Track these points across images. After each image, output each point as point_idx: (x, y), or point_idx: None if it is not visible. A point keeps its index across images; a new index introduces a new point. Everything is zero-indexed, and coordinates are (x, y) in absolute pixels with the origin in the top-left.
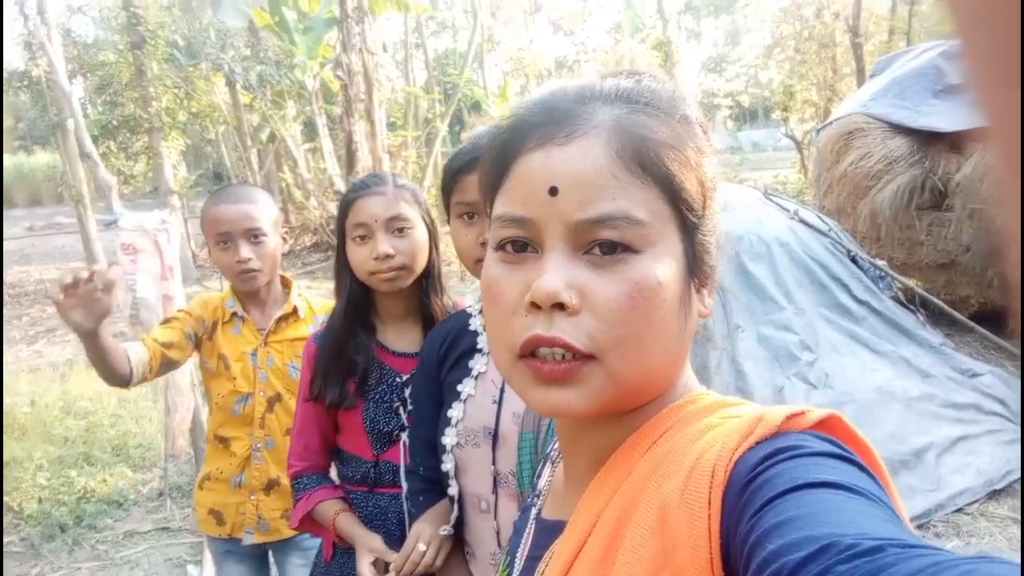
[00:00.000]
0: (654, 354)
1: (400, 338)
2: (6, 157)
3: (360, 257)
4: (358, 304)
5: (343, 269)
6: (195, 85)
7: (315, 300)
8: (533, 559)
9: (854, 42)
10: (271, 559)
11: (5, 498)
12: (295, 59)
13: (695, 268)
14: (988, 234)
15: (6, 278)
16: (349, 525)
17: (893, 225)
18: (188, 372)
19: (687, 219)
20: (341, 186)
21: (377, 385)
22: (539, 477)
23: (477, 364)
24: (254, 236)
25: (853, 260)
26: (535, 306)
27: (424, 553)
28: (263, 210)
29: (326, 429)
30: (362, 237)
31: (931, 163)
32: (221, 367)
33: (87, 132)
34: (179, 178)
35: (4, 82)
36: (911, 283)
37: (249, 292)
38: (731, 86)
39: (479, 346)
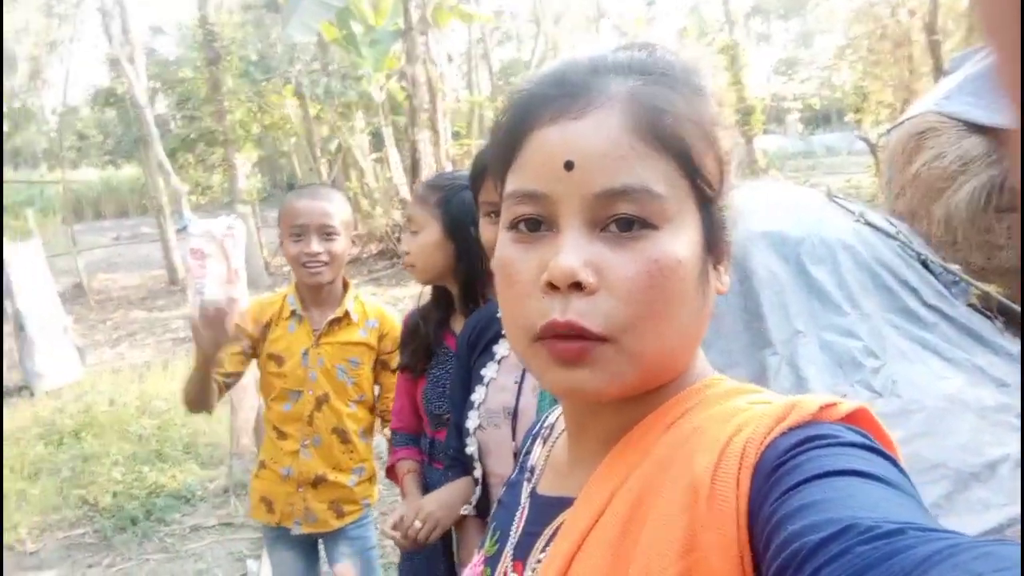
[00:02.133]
0: (672, 333)
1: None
2: (95, 172)
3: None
4: (443, 293)
5: (465, 252)
6: (267, 99)
7: (370, 303)
8: (530, 534)
9: (931, 40)
10: (320, 547)
11: (82, 491)
12: (361, 71)
13: (712, 244)
14: None
15: (94, 285)
16: (409, 484)
17: (970, 228)
18: (252, 373)
19: (704, 193)
20: (406, 194)
21: (438, 366)
22: (528, 454)
23: (500, 348)
24: (326, 233)
25: (924, 264)
26: (552, 286)
27: (419, 530)
28: (338, 210)
29: (413, 396)
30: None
31: (1009, 163)
32: (272, 365)
33: (161, 145)
34: (250, 187)
35: (91, 99)
36: (989, 288)
37: (312, 287)
38: (802, 89)
39: (503, 331)
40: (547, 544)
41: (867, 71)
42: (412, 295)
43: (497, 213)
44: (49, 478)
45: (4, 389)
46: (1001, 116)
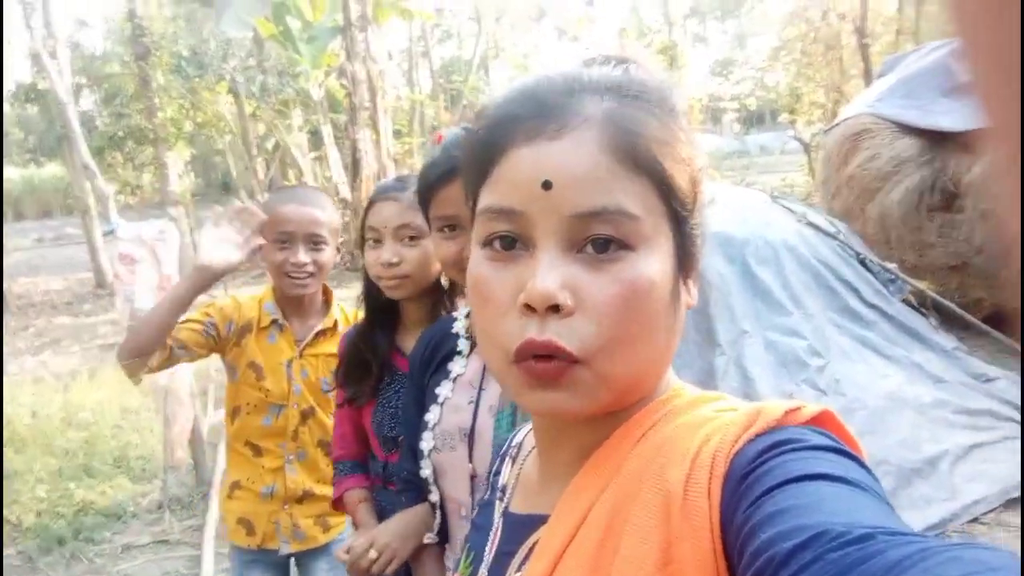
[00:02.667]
0: (644, 354)
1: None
2: (16, 170)
3: (369, 260)
4: (378, 307)
5: (365, 271)
6: (200, 96)
7: (354, 313)
8: (505, 554)
9: (861, 43)
10: (292, 566)
11: (3, 511)
12: (299, 68)
13: (684, 261)
14: (996, 235)
15: (15, 289)
16: (363, 514)
17: (903, 227)
18: (187, 382)
19: (678, 213)
20: (347, 194)
21: (387, 388)
22: (497, 475)
23: (456, 366)
24: (314, 241)
25: (863, 263)
26: (529, 308)
27: (373, 561)
28: (327, 217)
29: (358, 422)
30: (375, 240)
31: (941, 163)
32: (251, 375)
33: (85, 144)
34: (182, 188)
35: (12, 96)
36: (922, 286)
37: (293, 298)
38: (738, 89)
39: (459, 348)
40: (522, 563)
41: (800, 72)
42: (355, 295)
43: (451, 227)
44: None
45: None
46: (933, 118)
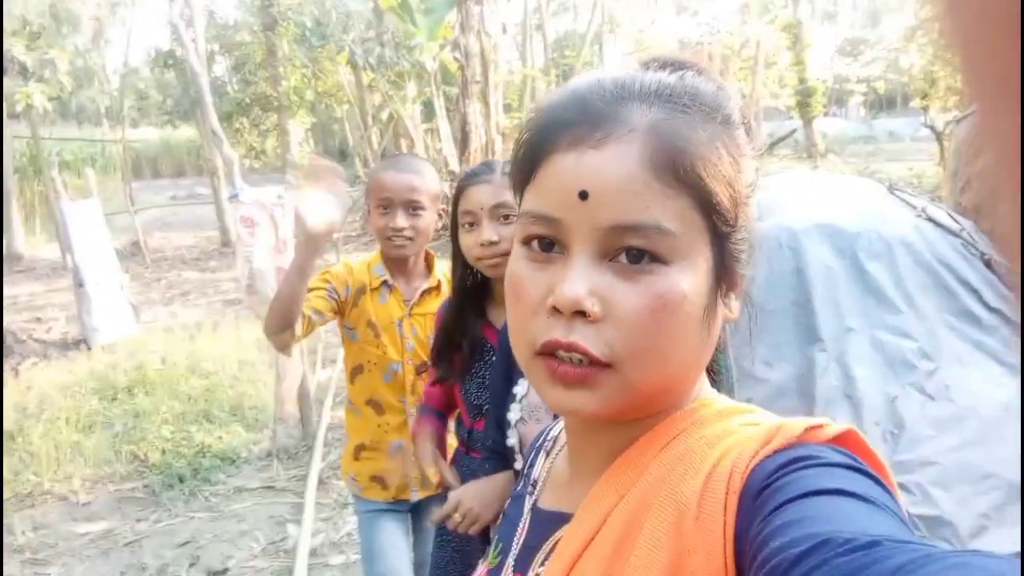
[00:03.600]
0: (672, 365)
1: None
2: (155, 131)
3: (467, 243)
4: (468, 288)
5: (457, 255)
6: (322, 66)
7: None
8: (530, 548)
9: None
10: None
11: (133, 447)
12: (414, 40)
13: (723, 276)
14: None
15: (150, 243)
16: (421, 445)
17: None
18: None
19: (719, 229)
20: (456, 166)
21: (478, 360)
22: (532, 467)
23: None
24: (413, 207)
25: (987, 264)
26: (556, 310)
27: (459, 523)
28: (427, 183)
29: (448, 389)
30: (470, 224)
31: None
32: (370, 334)
33: (214, 111)
34: (302, 154)
35: (152, 61)
36: None
37: (397, 259)
38: (867, 71)
39: None
40: (545, 559)
41: (937, 55)
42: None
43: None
44: (103, 432)
45: (64, 342)
46: None
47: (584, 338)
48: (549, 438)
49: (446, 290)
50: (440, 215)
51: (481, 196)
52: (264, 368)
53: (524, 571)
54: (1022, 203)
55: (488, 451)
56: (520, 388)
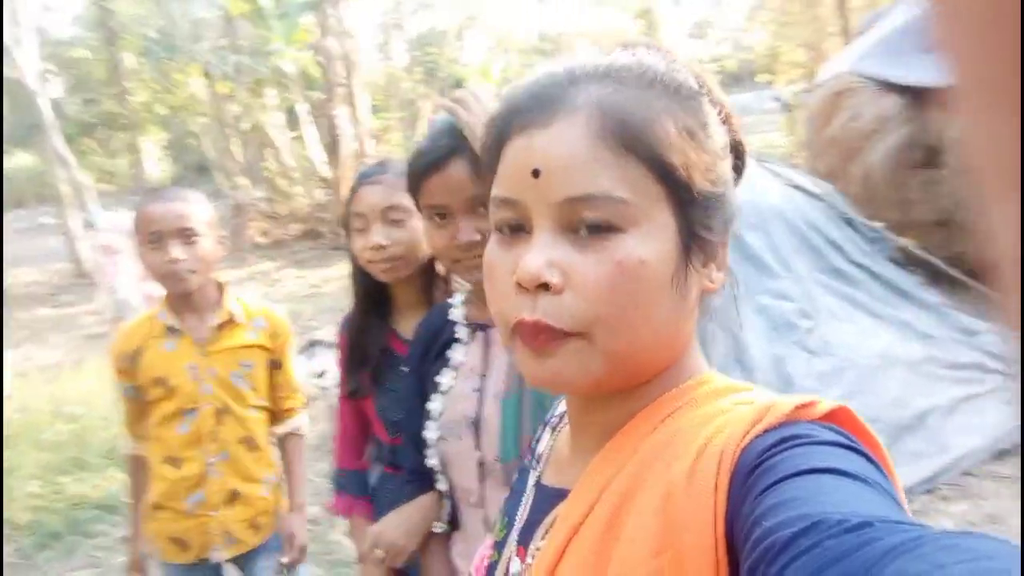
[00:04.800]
0: (643, 332)
1: (412, 327)
2: None
3: (357, 247)
4: (370, 294)
5: (353, 260)
6: (172, 79)
7: (252, 303)
8: (533, 523)
9: (839, 0)
10: (223, 572)
11: None
12: (272, 46)
13: (693, 244)
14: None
15: None
16: (356, 537)
17: (886, 186)
18: None
19: (680, 195)
20: (326, 173)
21: (388, 373)
22: (539, 441)
23: (456, 355)
24: (186, 236)
25: (849, 223)
26: (522, 287)
27: (382, 559)
28: (196, 209)
29: (360, 413)
30: (359, 229)
31: (923, 120)
32: (160, 391)
33: (60, 133)
34: (163, 173)
35: None
36: (907, 243)
37: (181, 295)
38: (717, 51)
39: (458, 336)
40: (546, 533)
41: (778, 32)
42: (339, 276)
43: (441, 216)
44: None
45: None
46: (915, 75)
47: (547, 314)
48: (556, 414)
49: (243, 322)
50: (221, 242)
51: (372, 198)
52: None
53: (526, 545)
54: (1023, 204)
55: (408, 473)
56: (435, 405)
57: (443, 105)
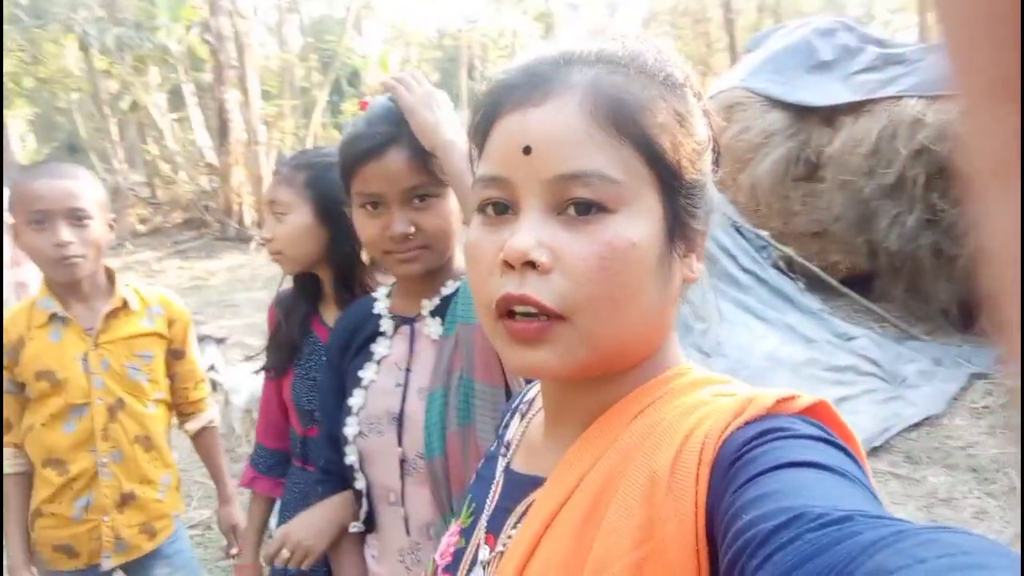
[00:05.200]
0: (629, 316)
1: (335, 317)
2: None
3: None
4: (303, 279)
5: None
6: (42, 48)
7: (145, 290)
8: (503, 510)
9: (727, 18)
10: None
11: None
12: (157, 21)
13: (677, 232)
14: (856, 204)
15: None
16: (251, 526)
17: (771, 196)
18: None
19: (667, 181)
20: (213, 158)
21: (307, 359)
22: (506, 428)
23: (380, 348)
24: (77, 217)
25: (737, 230)
26: (508, 265)
27: (287, 560)
28: (89, 189)
29: (281, 398)
30: (281, 214)
31: (805, 136)
32: (45, 386)
33: None
34: (28, 151)
35: None
36: (789, 251)
37: (69, 283)
38: None
39: (382, 329)
40: (518, 521)
41: (676, 41)
42: (227, 267)
43: (374, 205)
44: None
45: None
46: (799, 93)
47: (536, 291)
48: (525, 400)
49: (136, 307)
50: (111, 226)
51: (268, 190)
52: None
53: (496, 533)
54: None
55: (320, 472)
56: (356, 400)
57: (385, 84)
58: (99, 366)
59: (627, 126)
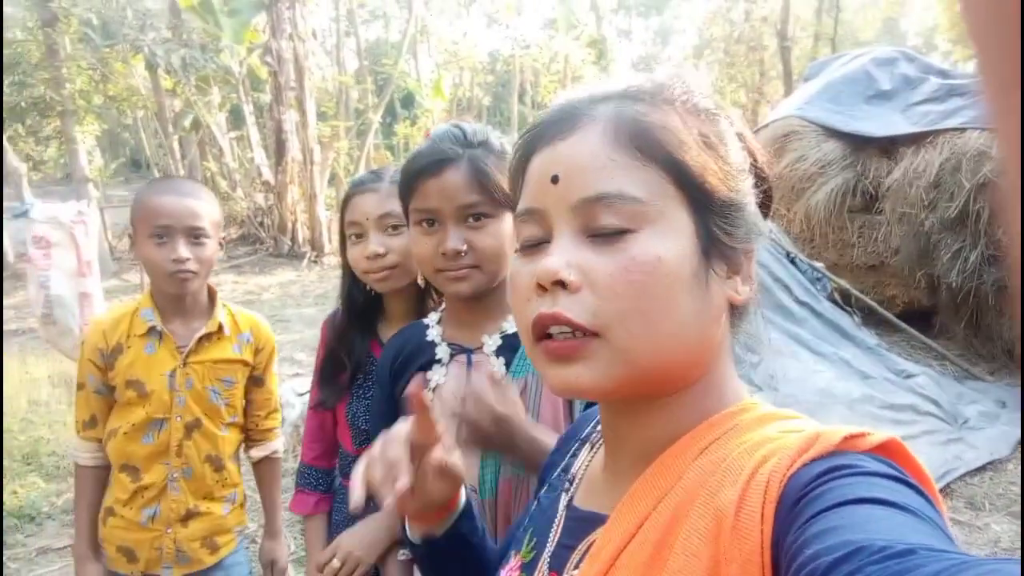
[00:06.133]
0: (662, 330)
1: None
2: None
3: (354, 256)
4: (357, 304)
5: (345, 268)
6: (111, 67)
7: (242, 314)
8: (565, 547)
9: (782, 46)
10: None
11: None
12: (221, 43)
13: (714, 250)
14: (916, 237)
15: None
16: (310, 539)
17: (826, 227)
18: None
19: (697, 200)
20: (269, 176)
21: (365, 381)
22: (574, 457)
23: (435, 376)
24: (195, 236)
25: (792, 261)
26: (542, 287)
27: (337, 571)
28: (209, 210)
29: (328, 422)
30: (356, 235)
31: (863, 167)
32: (132, 395)
33: None
34: (95, 166)
35: None
36: (845, 284)
37: (176, 297)
38: None
39: (438, 357)
40: (579, 560)
41: (723, 72)
42: (279, 283)
43: (430, 222)
44: None
45: None
46: (856, 124)
47: (567, 308)
48: (597, 430)
49: (228, 333)
50: (221, 245)
51: (367, 206)
52: (62, 407)
53: (559, 570)
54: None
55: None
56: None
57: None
58: (184, 385)
59: (650, 148)
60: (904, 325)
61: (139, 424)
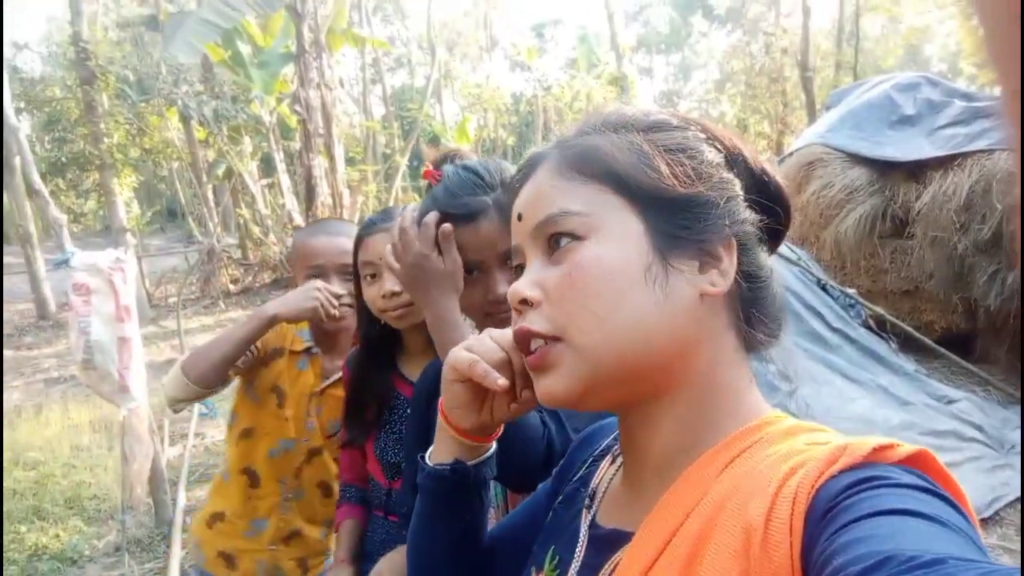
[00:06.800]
0: (616, 324)
1: (419, 370)
2: None
3: (370, 296)
4: (374, 341)
5: (361, 307)
6: (147, 121)
7: None
8: (590, 567)
9: (804, 76)
10: None
11: None
12: (251, 94)
13: (672, 245)
14: (950, 261)
15: None
16: (343, 542)
17: (857, 253)
18: (147, 416)
19: (643, 201)
20: (300, 221)
21: (391, 415)
22: (590, 469)
23: None
24: (347, 273)
25: (823, 288)
26: (516, 310)
27: None
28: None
29: (359, 453)
30: (371, 275)
31: (891, 192)
32: (272, 400)
33: (34, 169)
34: (133, 216)
35: None
36: (880, 310)
37: (327, 334)
38: None
39: None
40: None
41: (746, 104)
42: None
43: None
44: None
45: None
46: (881, 149)
47: (531, 321)
48: (618, 443)
49: None
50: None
51: (380, 246)
52: (102, 451)
53: None
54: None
55: (405, 518)
56: None
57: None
58: (315, 411)
59: (589, 167)
60: (944, 351)
61: (271, 434)
